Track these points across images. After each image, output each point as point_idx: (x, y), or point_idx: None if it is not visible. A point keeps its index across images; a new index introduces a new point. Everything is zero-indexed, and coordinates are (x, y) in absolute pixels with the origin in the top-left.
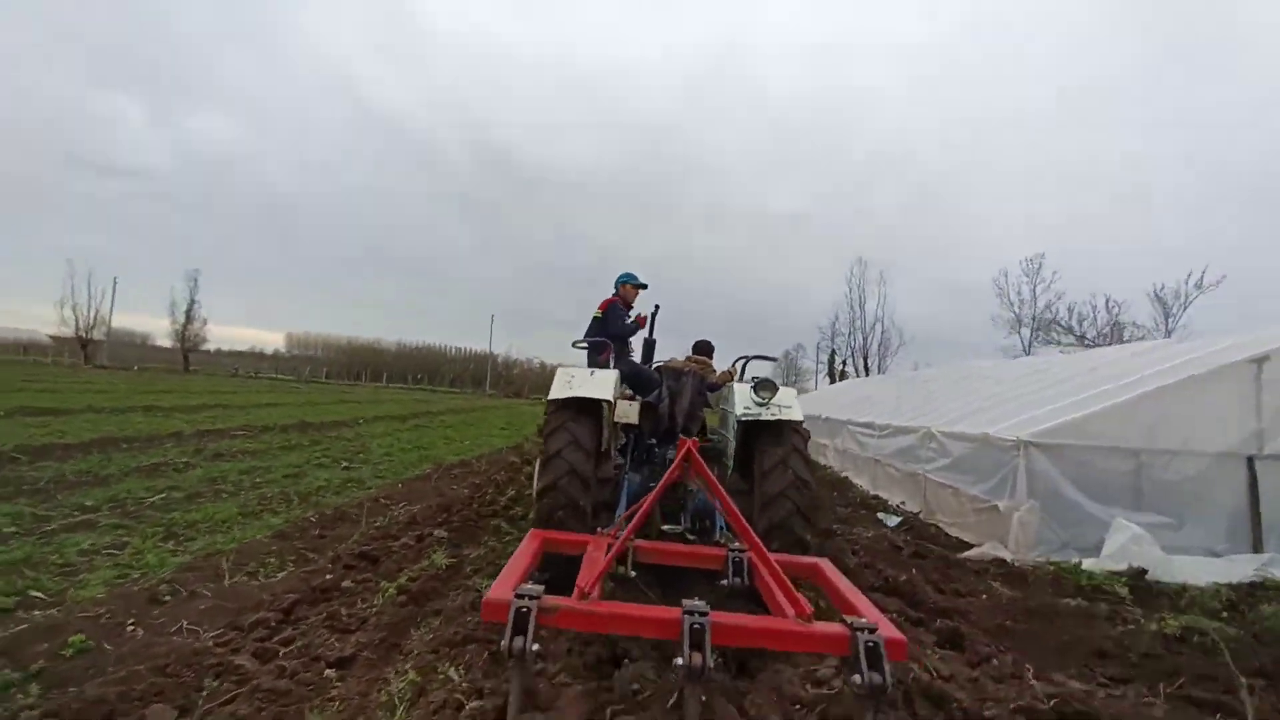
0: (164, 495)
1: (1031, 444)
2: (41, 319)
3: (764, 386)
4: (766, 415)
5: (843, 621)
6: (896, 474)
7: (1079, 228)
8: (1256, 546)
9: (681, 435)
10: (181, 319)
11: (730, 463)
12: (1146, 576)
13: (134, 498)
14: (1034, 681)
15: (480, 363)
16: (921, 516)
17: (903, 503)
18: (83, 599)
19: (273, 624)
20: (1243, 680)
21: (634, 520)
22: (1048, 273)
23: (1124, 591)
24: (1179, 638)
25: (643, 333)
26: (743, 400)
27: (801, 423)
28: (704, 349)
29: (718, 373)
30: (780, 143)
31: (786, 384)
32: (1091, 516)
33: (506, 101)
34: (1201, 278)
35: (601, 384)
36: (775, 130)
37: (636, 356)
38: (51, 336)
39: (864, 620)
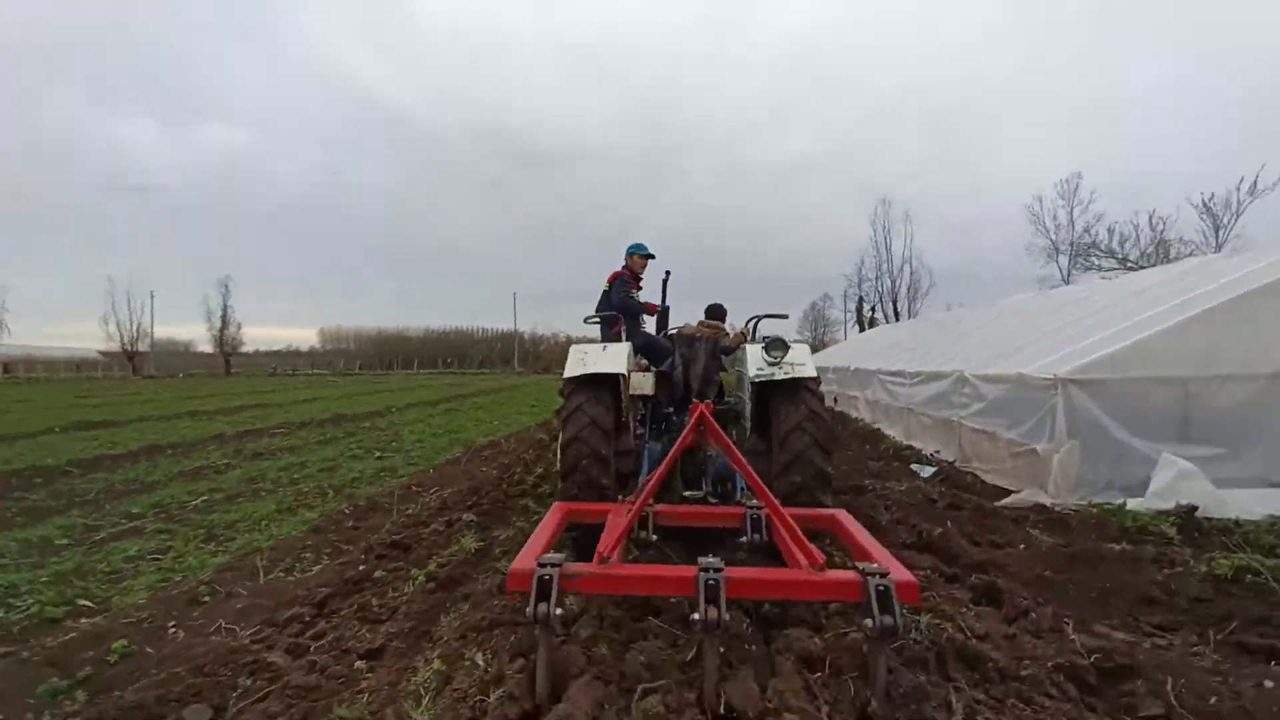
0: (205, 498)
1: (1070, 381)
2: (91, 336)
3: (775, 346)
4: (780, 375)
5: (855, 568)
6: (929, 422)
7: (1117, 139)
8: None
9: (695, 400)
10: (218, 325)
11: (748, 424)
12: (1196, 514)
13: (177, 502)
14: (1074, 635)
15: (507, 341)
16: (957, 465)
17: (937, 452)
18: (127, 605)
19: (307, 619)
20: None
21: (649, 485)
22: (1085, 194)
23: (1172, 532)
24: (1231, 579)
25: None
26: (755, 361)
27: (817, 379)
28: (716, 313)
29: (731, 335)
30: (793, 85)
31: (815, 337)
32: (1136, 453)
33: (508, 78)
34: (1255, 181)
35: (614, 358)
36: (788, 72)
37: (650, 327)
38: (101, 352)
39: (875, 565)
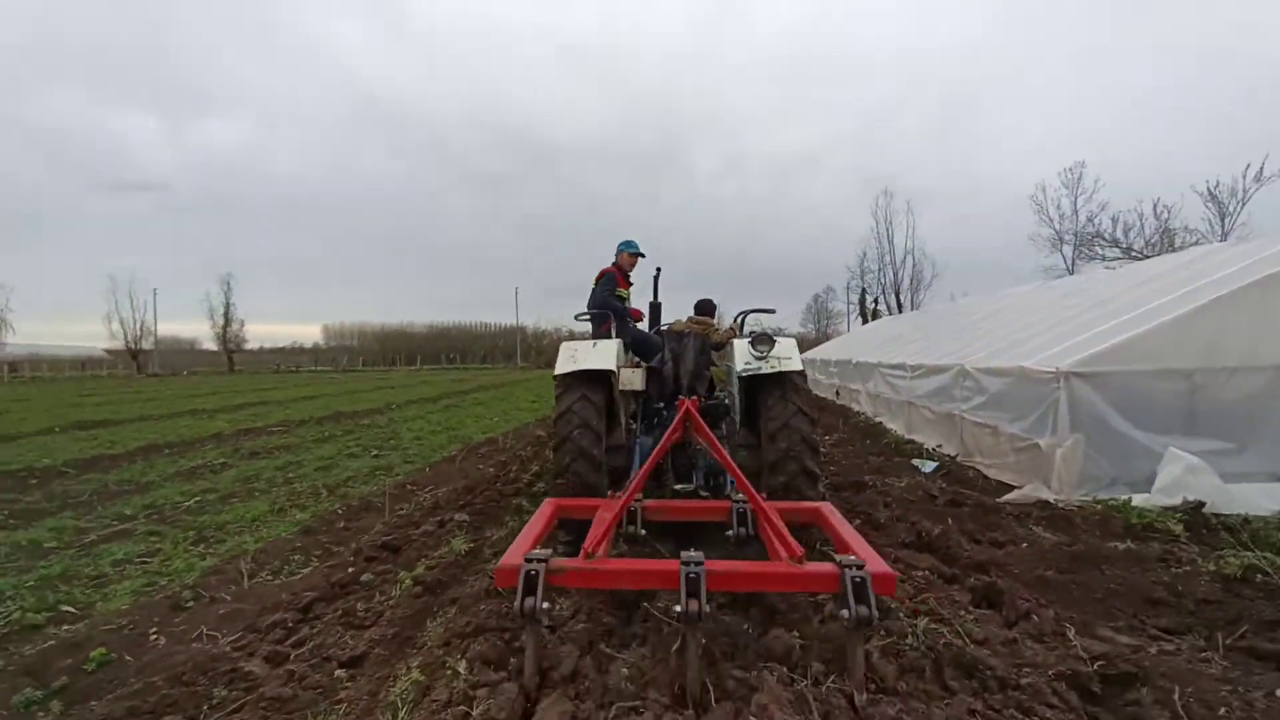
0: (198, 499)
1: (1073, 374)
2: (97, 335)
3: (761, 340)
4: (766, 369)
5: (833, 560)
6: (931, 416)
7: (1122, 127)
8: None
9: (684, 396)
10: (221, 322)
11: (737, 418)
12: (1204, 510)
13: (170, 503)
14: (1076, 639)
15: (510, 337)
16: (959, 460)
17: (939, 446)
18: (109, 611)
19: (289, 624)
20: None
21: (635, 481)
22: (1089, 182)
23: (1178, 529)
24: (1240, 579)
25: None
26: (742, 356)
27: (802, 372)
28: (705, 308)
29: (720, 331)
30: (792, 75)
31: (818, 330)
32: (1142, 448)
33: (510, 75)
34: (1261, 169)
35: (603, 355)
36: (787, 63)
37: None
38: (106, 351)
39: (853, 558)
